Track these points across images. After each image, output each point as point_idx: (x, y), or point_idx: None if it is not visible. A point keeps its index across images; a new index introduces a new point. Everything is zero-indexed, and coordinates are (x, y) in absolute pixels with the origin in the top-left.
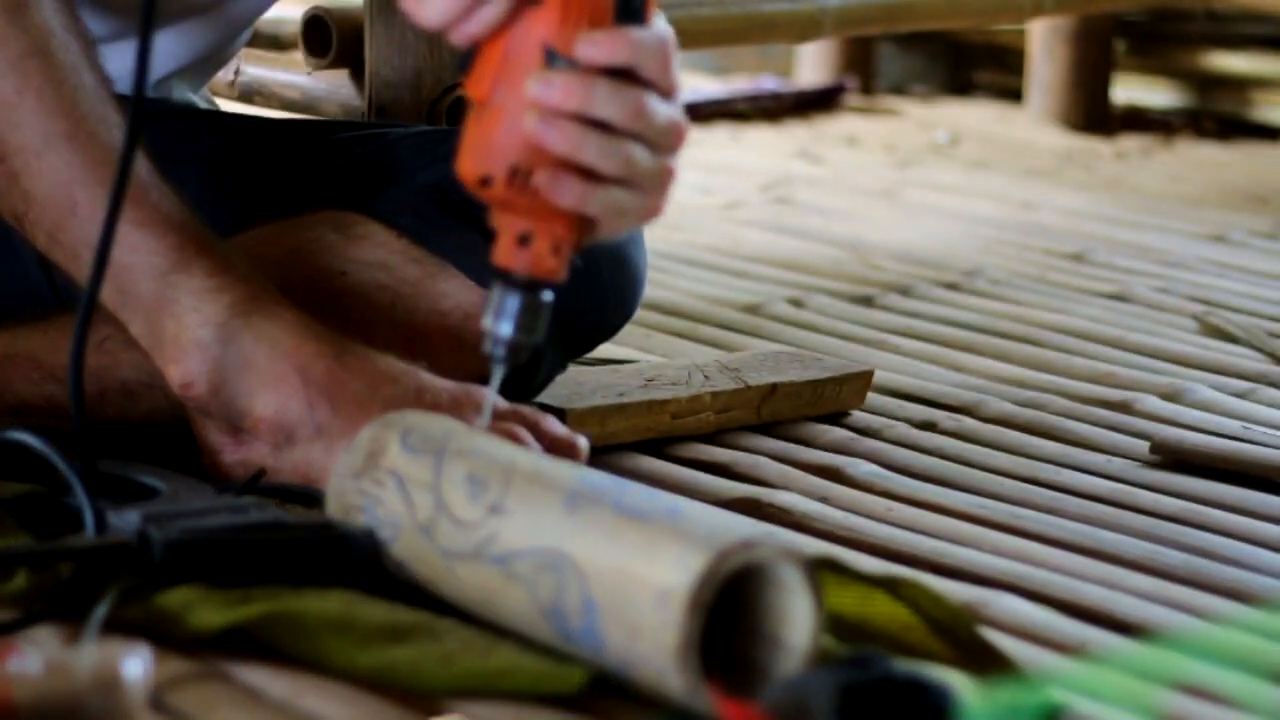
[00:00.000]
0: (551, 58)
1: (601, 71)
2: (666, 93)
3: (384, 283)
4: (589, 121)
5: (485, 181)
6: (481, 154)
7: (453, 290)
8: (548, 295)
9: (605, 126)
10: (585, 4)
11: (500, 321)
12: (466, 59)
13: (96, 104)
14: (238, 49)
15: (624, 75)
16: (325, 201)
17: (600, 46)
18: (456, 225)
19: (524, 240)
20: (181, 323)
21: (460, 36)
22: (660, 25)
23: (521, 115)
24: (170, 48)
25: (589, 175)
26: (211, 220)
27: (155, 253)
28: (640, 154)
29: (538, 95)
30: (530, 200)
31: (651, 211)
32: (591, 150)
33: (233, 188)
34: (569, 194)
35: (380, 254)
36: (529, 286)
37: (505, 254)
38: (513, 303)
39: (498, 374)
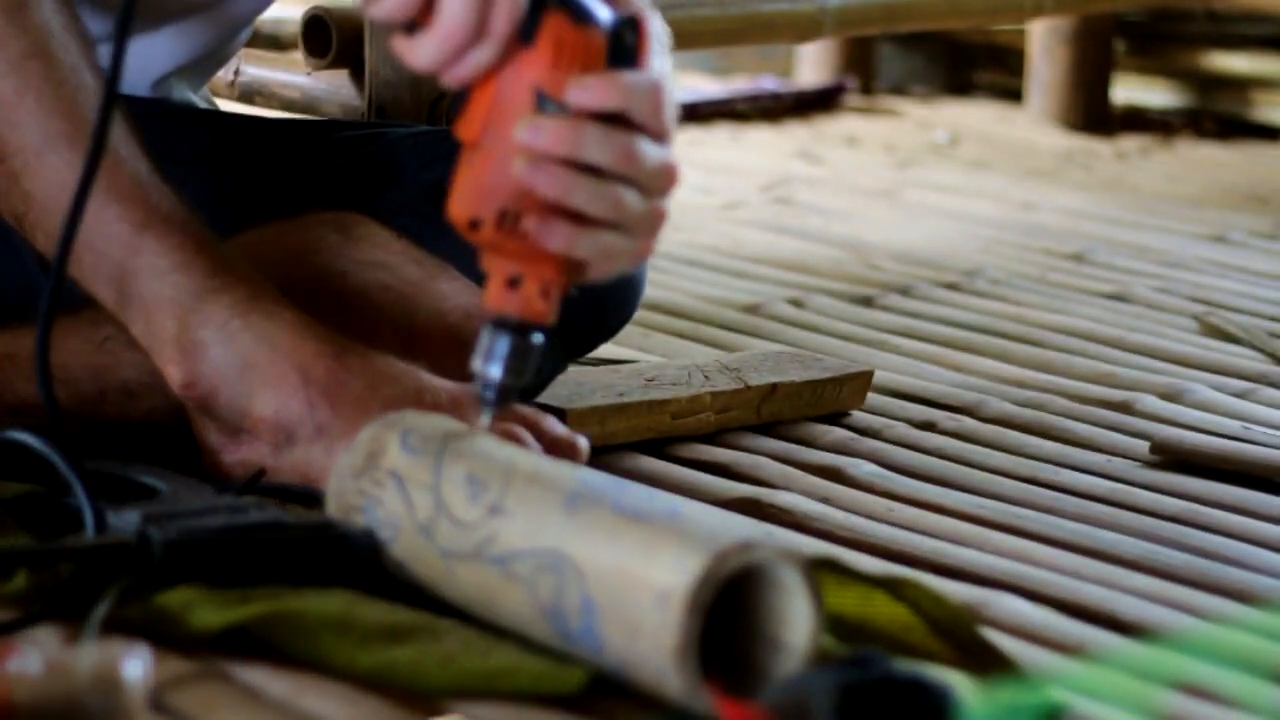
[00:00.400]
0: (543, 102)
1: (592, 116)
2: (658, 136)
3: (385, 283)
4: (579, 166)
5: (474, 224)
6: (471, 197)
7: (453, 291)
8: (537, 338)
9: (595, 170)
10: (577, 48)
11: (490, 364)
12: (458, 100)
13: (96, 104)
14: (237, 48)
15: (615, 119)
16: (326, 202)
17: (591, 91)
18: None
19: (513, 283)
20: (181, 323)
21: (451, 79)
22: (655, 65)
23: (511, 159)
24: (169, 47)
25: (578, 219)
26: (211, 220)
27: (155, 253)
28: (630, 198)
29: (527, 140)
30: (519, 244)
31: (642, 254)
32: (581, 195)
33: (233, 188)
34: (558, 238)
35: (381, 255)
36: (519, 329)
37: (495, 297)
38: (502, 345)
39: (487, 417)
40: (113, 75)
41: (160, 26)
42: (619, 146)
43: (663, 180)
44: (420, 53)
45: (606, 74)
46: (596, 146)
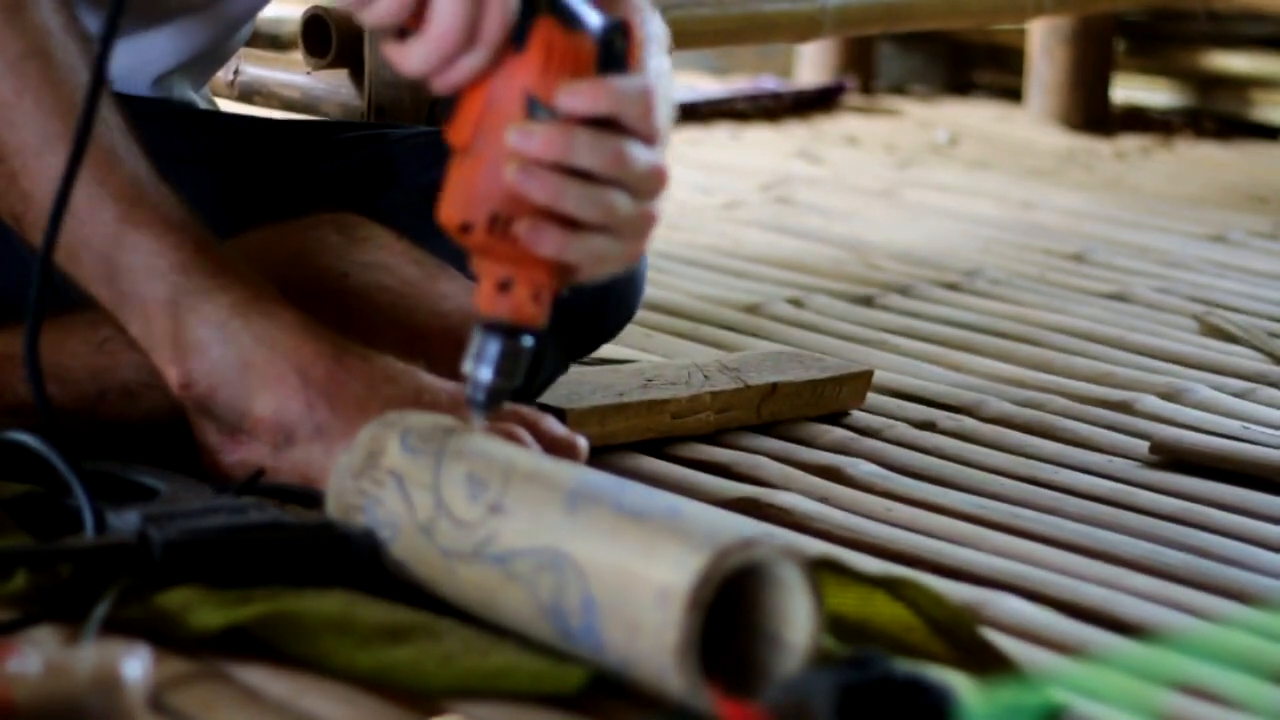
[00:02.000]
0: (533, 107)
1: (583, 121)
2: (648, 139)
3: (385, 284)
4: (569, 171)
5: (466, 228)
6: (463, 201)
7: (453, 291)
8: (528, 340)
9: (586, 175)
10: (567, 54)
11: (480, 367)
12: (448, 105)
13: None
14: (237, 46)
15: (605, 123)
16: (326, 203)
17: (581, 97)
18: None
19: (504, 287)
20: (181, 323)
21: (443, 85)
22: (652, 65)
23: (502, 164)
24: (168, 45)
25: (569, 224)
26: (211, 220)
27: (155, 253)
28: (621, 201)
29: (518, 145)
30: (511, 248)
31: (632, 257)
32: (572, 200)
33: (233, 188)
34: (549, 243)
35: (381, 255)
36: (509, 332)
37: (486, 300)
38: (493, 348)
39: (478, 420)
40: (99, 63)
41: (159, 24)
42: (609, 151)
43: (652, 183)
44: (412, 58)
45: (596, 79)
46: (587, 151)
